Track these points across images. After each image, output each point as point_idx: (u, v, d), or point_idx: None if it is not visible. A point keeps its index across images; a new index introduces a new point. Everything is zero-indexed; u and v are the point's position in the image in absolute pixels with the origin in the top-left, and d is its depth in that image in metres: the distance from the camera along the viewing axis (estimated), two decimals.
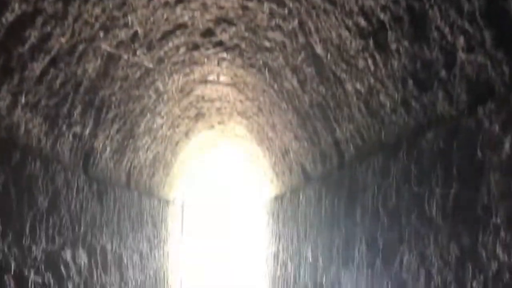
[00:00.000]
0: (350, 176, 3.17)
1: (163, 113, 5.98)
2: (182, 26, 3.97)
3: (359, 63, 2.65)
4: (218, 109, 7.77)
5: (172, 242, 9.71)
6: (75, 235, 3.18)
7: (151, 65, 4.32)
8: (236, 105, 7.23)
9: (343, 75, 3.09)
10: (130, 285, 5.17)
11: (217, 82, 6.17)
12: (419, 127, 2.19)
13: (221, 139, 10.04)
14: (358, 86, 2.95)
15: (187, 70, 5.35)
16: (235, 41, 4.51)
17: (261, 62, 4.70)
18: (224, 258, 19.48)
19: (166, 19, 3.66)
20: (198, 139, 9.20)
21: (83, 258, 3.36)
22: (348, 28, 2.54)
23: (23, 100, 2.47)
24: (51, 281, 2.70)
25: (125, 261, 4.90)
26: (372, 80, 2.69)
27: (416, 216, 1.97)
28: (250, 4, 3.55)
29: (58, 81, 2.85)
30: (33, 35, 2.24)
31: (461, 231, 1.58)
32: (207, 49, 4.79)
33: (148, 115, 5.38)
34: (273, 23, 3.66)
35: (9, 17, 1.97)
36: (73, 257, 3.12)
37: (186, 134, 8.20)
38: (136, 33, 3.51)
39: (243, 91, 6.23)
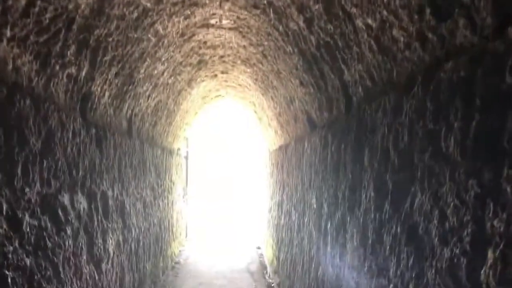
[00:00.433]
0: (358, 119, 3.02)
1: (164, 59, 5.77)
2: None
3: None
4: (221, 57, 7.54)
5: (176, 192, 9.73)
6: (72, 180, 3.08)
7: (148, 4, 4.09)
8: (239, 52, 7.00)
9: (353, 10, 2.88)
10: (133, 232, 5.17)
11: (220, 26, 5.92)
12: (435, 61, 2.02)
13: (224, 89, 9.86)
14: (369, 21, 2.74)
15: (188, 12, 5.10)
16: None
17: (265, 1, 4.45)
18: (227, 210, 19.73)
19: None
20: (201, 88, 9.02)
21: (82, 203, 3.29)
22: None
23: (8, 33, 2.30)
24: (48, 224, 2.62)
25: (127, 208, 4.86)
26: (385, 13, 2.49)
27: (430, 154, 1.83)
28: None
29: (47, 16, 2.66)
30: None
31: (482, 166, 1.44)
32: None
33: (148, 60, 5.18)
34: None
35: None
36: (72, 202, 3.04)
37: (189, 83, 8.01)
38: None
39: (246, 35, 5.98)
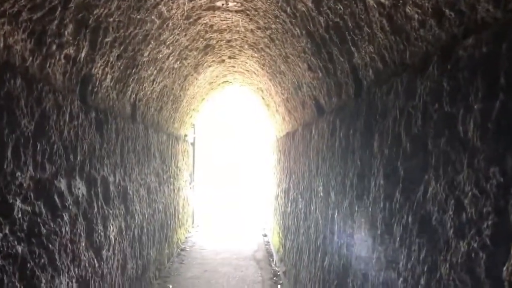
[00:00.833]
0: (368, 103, 2.87)
1: (169, 42, 5.63)
2: None
3: None
4: (228, 41, 7.38)
5: (183, 178, 9.65)
6: (70, 164, 2.98)
7: None
8: (247, 36, 6.83)
9: None
10: (136, 218, 5.08)
11: (226, 8, 5.75)
12: (453, 39, 1.86)
13: (232, 74, 9.70)
14: None
15: None
16: None
17: None
18: (234, 196, 19.69)
19: None
20: (207, 73, 8.87)
21: (81, 188, 3.19)
22: None
23: None
24: (43, 210, 2.52)
25: (130, 194, 4.76)
26: None
27: (446, 139, 1.69)
28: None
29: None
30: None
31: (505, 152, 1.30)
32: None
33: (152, 43, 5.04)
34: None
35: None
36: (69, 187, 2.94)
37: (195, 67, 7.87)
38: None
39: (254, 18, 5.81)
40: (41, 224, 2.49)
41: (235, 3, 5.53)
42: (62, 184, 2.83)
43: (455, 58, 1.70)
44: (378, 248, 2.40)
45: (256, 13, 5.55)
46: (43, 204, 2.54)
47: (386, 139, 2.40)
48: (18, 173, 2.22)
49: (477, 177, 1.45)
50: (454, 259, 1.55)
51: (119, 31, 3.99)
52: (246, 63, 8.49)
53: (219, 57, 8.18)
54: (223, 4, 5.58)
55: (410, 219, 2.00)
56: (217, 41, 7.25)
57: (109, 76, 4.20)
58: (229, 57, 8.32)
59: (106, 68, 4.05)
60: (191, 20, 5.72)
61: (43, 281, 2.50)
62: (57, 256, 2.69)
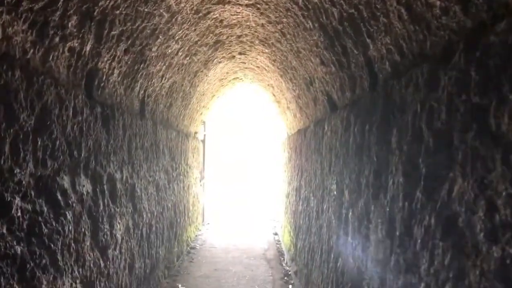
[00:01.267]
0: (385, 97, 2.73)
1: (178, 37, 5.52)
2: None
3: None
4: (239, 37, 7.25)
5: (193, 176, 9.55)
6: (74, 161, 2.87)
7: None
8: (257, 31, 6.69)
9: None
10: (145, 216, 4.98)
11: (236, 2, 5.62)
12: (480, 25, 1.71)
13: (242, 71, 9.57)
14: None
15: None
16: None
17: None
18: (244, 193, 19.58)
19: None
20: (218, 70, 8.76)
21: (86, 186, 3.08)
22: None
23: None
24: (44, 208, 2.42)
25: (138, 191, 4.66)
26: None
27: (475, 133, 1.54)
28: None
29: None
30: None
31: None
32: None
33: (161, 37, 4.93)
34: None
35: None
36: (73, 184, 2.84)
37: (205, 64, 7.75)
38: None
39: (265, 12, 5.67)
40: (42, 223, 2.39)
41: None
42: (65, 182, 2.72)
43: (485, 45, 1.55)
44: (396, 250, 2.25)
45: (267, 6, 5.41)
46: (45, 202, 2.44)
47: (405, 135, 2.26)
48: (17, 170, 2.11)
49: None
50: (485, 265, 1.40)
51: (126, 24, 3.88)
52: (257, 59, 8.35)
53: (229, 53, 8.05)
54: None
55: (433, 220, 1.85)
56: (227, 37, 7.12)
57: (116, 71, 4.09)
58: (240, 53, 8.19)
59: (113, 63, 3.94)
60: (200, 14, 5.60)
61: (44, 282, 2.40)
62: (59, 257, 2.59)
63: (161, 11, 4.52)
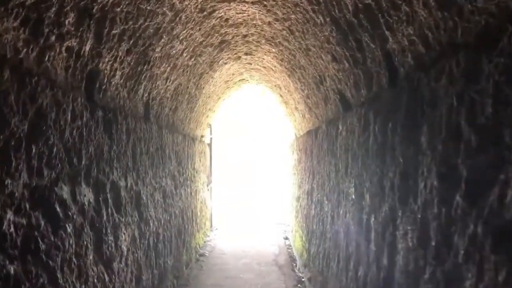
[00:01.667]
0: (410, 92, 2.49)
1: (182, 37, 5.31)
2: None
3: None
4: (245, 36, 7.04)
5: (200, 181, 9.34)
6: (74, 169, 2.66)
7: None
8: (264, 29, 6.48)
9: None
10: (151, 225, 4.76)
11: (242, 0, 5.41)
12: None
13: (248, 72, 9.36)
14: None
15: None
16: None
17: None
18: (252, 196, 19.34)
19: None
20: (223, 71, 8.55)
21: (87, 195, 2.87)
22: None
23: None
24: (41, 222, 2.20)
25: (144, 199, 4.44)
26: None
27: None
28: None
29: None
30: None
31: None
32: None
33: (164, 37, 4.72)
34: None
35: None
36: (73, 194, 2.62)
37: (210, 65, 7.54)
38: None
39: (271, 9, 5.45)
40: (39, 238, 2.17)
41: None
42: (65, 191, 2.51)
43: None
44: (432, 262, 2.01)
45: (274, 3, 5.19)
46: (42, 215, 2.22)
47: (438, 132, 2.02)
48: (8, 180, 1.90)
49: None
50: None
51: (128, 23, 3.68)
52: (263, 59, 8.14)
53: (235, 53, 7.84)
54: None
55: (479, 229, 1.61)
56: (233, 37, 6.91)
57: (118, 73, 3.89)
58: (246, 53, 7.97)
59: (114, 64, 3.74)
60: (205, 13, 5.39)
61: None
62: (59, 274, 2.37)
63: (164, 9, 4.32)
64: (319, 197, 5.78)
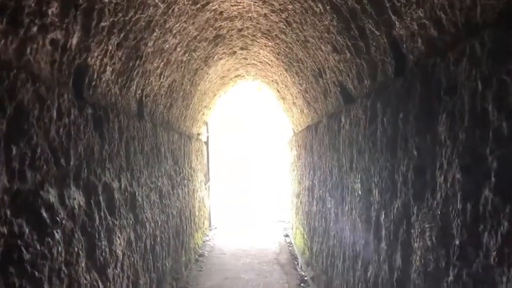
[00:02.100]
0: (423, 79, 2.31)
1: (175, 31, 5.10)
2: None
3: None
4: (240, 30, 6.84)
5: (198, 179, 9.14)
6: (61, 171, 2.46)
7: None
8: (260, 22, 6.28)
9: None
10: (148, 227, 4.56)
11: None
12: None
13: (244, 67, 9.16)
14: None
15: None
16: None
17: None
18: (251, 194, 19.16)
19: None
20: (219, 67, 8.34)
21: (77, 198, 2.67)
22: None
23: None
24: (25, 229, 2.00)
25: (139, 200, 4.24)
26: None
27: None
28: None
29: None
30: None
31: None
32: None
33: (157, 31, 4.52)
34: None
35: None
36: (61, 198, 2.42)
37: (205, 60, 7.34)
38: None
39: (268, 0, 5.25)
40: (22, 248, 1.98)
41: None
42: (52, 195, 2.31)
43: None
44: (456, 263, 1.83)
45: None
46: (26, 222, 2.02)
47: (460, 120, 1.83)
48: None
49: None
50: None
51: (117, 15, 3.47)
52: (259, 53, 7.94)
53: (230, 48, 7.64)
54: None
55: None
56: (228, 30, 6.71)
57: (109, 68, 3.68)
58: (241, 48, 7.78)
59: (104, 59, 3.53)
60: (198, 5, 5.18)
61: None
62: (46, 285, 2.17)
63: (156, 1, 4.11)
64: (321, 194, 5.60)
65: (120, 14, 3.51)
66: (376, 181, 3.01)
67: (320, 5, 4.03)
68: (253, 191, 19.67)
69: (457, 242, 1.83)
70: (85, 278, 2.72)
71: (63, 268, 2.40)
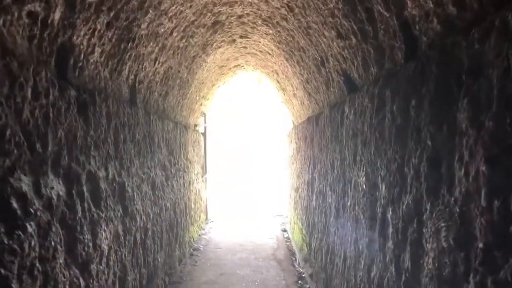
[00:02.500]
0: (440, 61, 2.07)
1: (171, 13, 4.84)
2: None
3: None
4: (240, 17, 6.57)
5: (194, 171, 8.90)
6: (37, 157, 2.22)
7: None
8: (260, 8, 6.02)
9: None
10: (138, 220, 4.33)
11: None
12: None
13: (244, 57, 8.90)
14: None
15: None
16: None
17: None
18: (249, 186, 18.96)
19: None
20: (217, 55, 8.09)
21: (56, 187, 2.43)
22: None
23: None
24: None
25: (129, 191, 4.01)
26: None
27: None
28: None
29: None
30: None
31: None
32: None
33: (151, 12, 4.26)
34: None
35: None
36: (36, 187, 2.18)
37: (203, 48, 7.08)
38: None
39: None
40: None
41: None
42: (24, 184, 2.07)
43: None
44: (478, 268, 1.60)
45: None
46: None
47: (486, 106, 1.60)
48: None
49: None
50: None
51: None
52: (260, 42, 7.68)
53: (230, 36, 7.38)
54: None
55: None
56: (227, 17, 6.45)
57: (97, 49, 3.43)
58: (241, 36, 7.51)
59: (92, 39, 3.28)
60: None
61: None
62: (15, 284, 1.94)
63: None
64: (321, 188, 5.37)
65: None
66: (382, 175, 2.77)
67: None
68: (251, 183, 19.47)
69: (480, 244, 1.60)
70: (64, 275, 2.49)
71: (37, 264, 2.17)
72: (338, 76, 4.55)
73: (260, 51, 8.25)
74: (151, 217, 4.91)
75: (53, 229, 2.38)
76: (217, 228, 10.42)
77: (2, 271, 1.84)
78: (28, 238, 2.08)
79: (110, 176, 3.44)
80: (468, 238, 1.68)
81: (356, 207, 3.49)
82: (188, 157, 8.17)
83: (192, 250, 7.93)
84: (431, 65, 2.17)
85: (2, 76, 1.90)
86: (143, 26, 4.24)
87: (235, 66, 9.56)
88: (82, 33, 3.08)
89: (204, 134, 10.89)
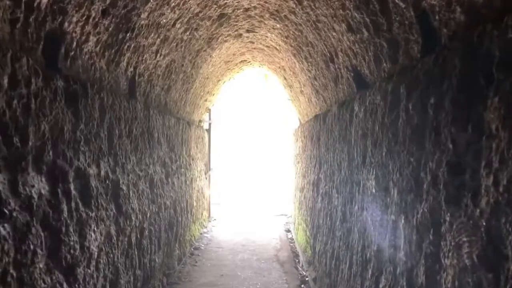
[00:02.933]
0: (465, 53, 1.83)
1: (174, 3, 4.62)
2: None
3: None
4: (246, 10, 6.34)
5: (197, 168, 8.70)
6: (14, 152, 2.01)
7: None
8: (268, 1, 5.79)
9: None
10: (134, 219, 4.12)
11: None
12: None
13: (250, 52, 8.68)
14: None
15: None
16: None
17: None
18: (254, 184, 18.74)
19: None
20: (223, 50, 7.86)
21: (38, 185, 2.23)
22: None
23: None
24: None
25: (124, 189, 3.80)
26: None
27: None
28: None
29: None
30: None
31: None
32: None
33: (152, 1, 4.05)
34: None
35: None
36: (12, 185, 1.98)
37: (208, 42, 6.86)
38: None
39: None
40: None
41: None
42: None
43: None
44: None
45: None
46: None
47: None
48: None
49: None
50: None
51: None
52: (267, 37, 7.45)
53: (236, 30, 7.15)
54: None
55: None
56: (234, 10, 6.22)
57: (92, 38, 3.23)
58: (247, 31, 7.29)
59: (86, 27, 3.08)
60: None
61: None
62: None
63: None
64: (327, 189, 5.14)
65: None
66: (395, 179, 2.54)
67: None
68: (256, 181, 19.26)
69: (511, 266, 1.37)
70: (44, 281, 2.28)
71: (11, 270, 1.96)
72: (348, 73, 4.32)
73: (267, 46, 8.03)
74: (148, 216, 4.71)
75: (33, 231, 2.17)
76: (220, 226, 10.22)
77: None
78: (0, 242, 1.87)
79: (103, 173, 3.24)
80: (497, 256, 1.45)
81: (364, 212, 3.26)
82: (191, 153, 7.97)
83: (192, 249, 7.73)
84: (454, 59, 1.93)
85: None
86: (143, 15, 4.03)
87: (241, 61, 9.34)
88: (74, 20, 2.88)
89: (208, 130, 10.68)
